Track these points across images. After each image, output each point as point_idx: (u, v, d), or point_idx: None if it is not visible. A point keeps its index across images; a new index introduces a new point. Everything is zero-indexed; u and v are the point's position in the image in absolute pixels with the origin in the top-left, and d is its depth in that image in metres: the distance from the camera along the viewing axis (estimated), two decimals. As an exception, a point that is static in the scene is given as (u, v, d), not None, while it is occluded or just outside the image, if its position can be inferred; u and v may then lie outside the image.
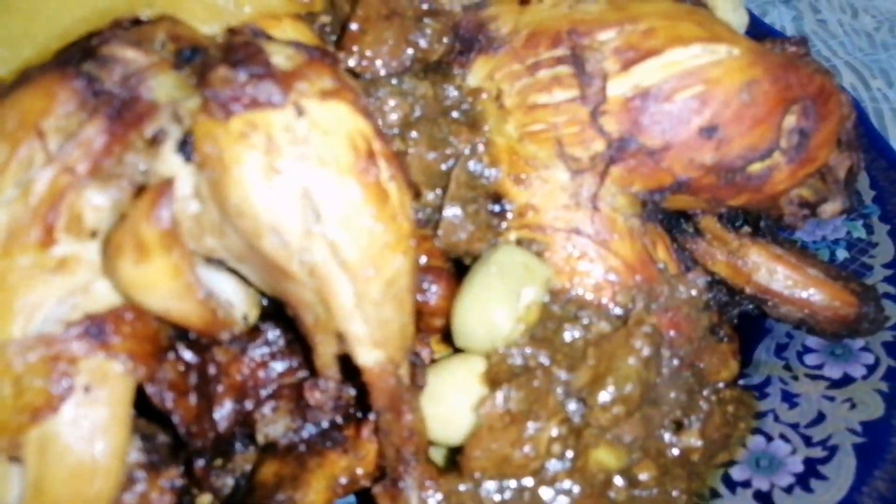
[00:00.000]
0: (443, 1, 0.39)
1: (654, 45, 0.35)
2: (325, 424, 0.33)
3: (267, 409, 0.32)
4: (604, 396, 0.31)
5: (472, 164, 0.37)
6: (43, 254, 0.26)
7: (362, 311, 0.29)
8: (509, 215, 0.37)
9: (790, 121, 0.35)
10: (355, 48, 0.37)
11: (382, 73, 0.37)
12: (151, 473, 0.29)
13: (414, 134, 0.37)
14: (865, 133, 0.56)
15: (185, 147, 0.27)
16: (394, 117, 0.37)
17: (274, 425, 0.32)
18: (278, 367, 0.33)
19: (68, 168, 0.27)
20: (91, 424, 0.26)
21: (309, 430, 0.33)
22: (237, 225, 0.27)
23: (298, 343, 0.33)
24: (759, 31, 0.66)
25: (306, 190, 0.27)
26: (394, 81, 0.38)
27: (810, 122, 0.35)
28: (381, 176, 0.28)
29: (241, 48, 0.28)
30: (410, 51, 0.38)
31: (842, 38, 0.85)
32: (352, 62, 0.37)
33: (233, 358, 0.32)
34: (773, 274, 0.42)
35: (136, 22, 0.33)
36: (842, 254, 0.49)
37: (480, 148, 0.38)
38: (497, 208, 0.37)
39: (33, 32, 0.33)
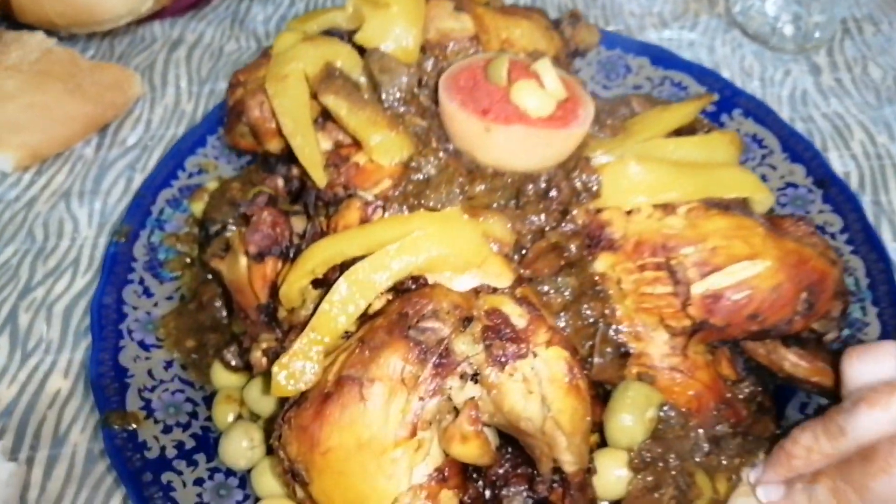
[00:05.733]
0: (578, 222, 0.62)
1: (719, 262, 0.58)
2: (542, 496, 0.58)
3: (510, 491, 0.58)
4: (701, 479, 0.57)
5: (606, 329, 0.61)
6: (410, 442, 0.52)
7: (570, 449, 0.54)
8: (631, 359, 0.61)
9: (802, 297, 0.58)
10: (530, 269, 0.60)
11: (546, 276, 0.61)
12: None
13: (567, 314, 0.61)
14: (863, 229, 0.78)
15: (476, 378, 0.52)
16: (557, 302, 0.61)
17: (516, 499, 0.58)
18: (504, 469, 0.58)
19: (421, 397, 0.51)
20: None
21: (533, 500, 0.58)
22: (506, 416, 0.52)
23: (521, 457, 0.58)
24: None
25: (544, 398, 0.52)
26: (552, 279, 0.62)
27: (814, 297, 0.58)
28: (577, 379, 0.53)
29: (496, 317, 0.52)
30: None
31: (854, 96, 1.04)
32: (528, 274, 0.61)
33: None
34: (796, 365, 0.65)
35: (416, 280, 0.57)
36: (845, 332, 0.71)
37: (608, 314, 0.62)
38: (624, 354, 0.61)
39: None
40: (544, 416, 0.52)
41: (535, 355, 0.52)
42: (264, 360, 0.59)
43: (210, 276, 0.77)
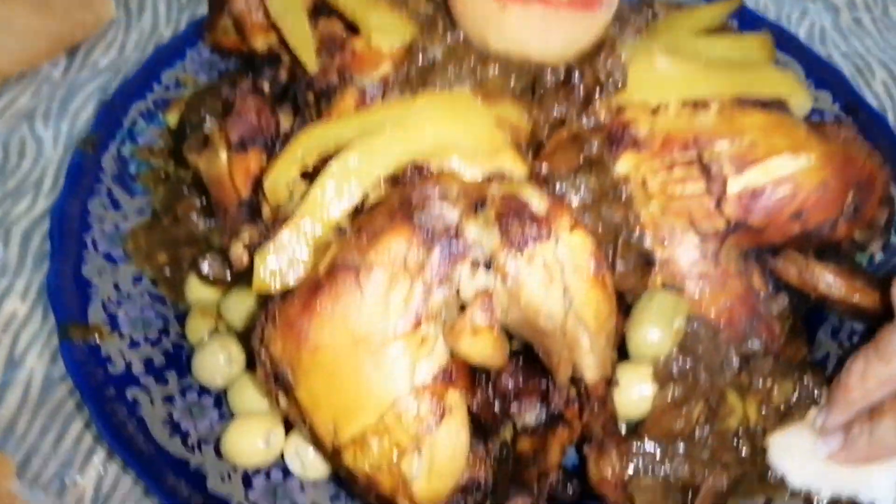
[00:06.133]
0: (602, 120, 0.56)
1: (757, 156, 0.52)
2: (556, 412, 0.52)
3: (521, 405, 0.51)
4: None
5: (629, 234, 0.55)
6: (413, 336, 0.45)
7: (593, 351, 0.47)
8: (656, 266, 0.55)
9: (849, 197, 0.53)
10: (546, 162, 0.54)
11: (563, 174, 0.55)
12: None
13: (587, 215, 0.55)
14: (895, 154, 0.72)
15: (489, 267, 0.46)
16: (575, 204, 0.55)
17: (528, 415, 0.51)
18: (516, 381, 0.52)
19: (427, 284, 0.45)
20: (454, 429, 0.45)
21: (547, 416, 0.52)
22: (523, 310, 0.46)
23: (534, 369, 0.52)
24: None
25: (566, 288, 0.45)
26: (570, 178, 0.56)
27: (862, 197, 0.53)
28: (603, 271, 0.47)
29: (512, 202, 0.46)
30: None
31: (874, 36, 0.99)
32: (544, 169, 0.55)
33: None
34: (832, 285, 0.60)
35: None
36: (879, 256, 0.66)
37: (632, 219, 0.56)
38: (648, 261, 0.55)
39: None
40: (566, 311, 0.46)
41: (557, 241, 0.45)
42: (246, 255, 0.52)
43: (186, 191, 0.70)
